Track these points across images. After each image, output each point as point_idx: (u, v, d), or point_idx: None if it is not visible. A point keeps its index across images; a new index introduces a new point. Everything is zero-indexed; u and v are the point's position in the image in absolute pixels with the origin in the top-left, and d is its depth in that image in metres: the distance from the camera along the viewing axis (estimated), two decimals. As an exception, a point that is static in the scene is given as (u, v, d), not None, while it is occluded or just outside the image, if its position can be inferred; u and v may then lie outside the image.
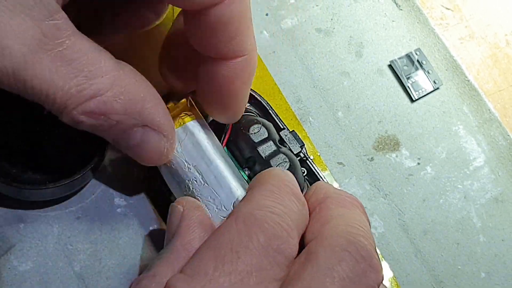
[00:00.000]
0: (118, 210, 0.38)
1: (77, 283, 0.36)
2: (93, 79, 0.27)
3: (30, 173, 0.34)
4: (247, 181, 0.37)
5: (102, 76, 0.27)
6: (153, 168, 0.37)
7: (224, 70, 0.30)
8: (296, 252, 0.27)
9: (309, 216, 0.29)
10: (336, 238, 0.27)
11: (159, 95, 0.31)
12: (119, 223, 0.38)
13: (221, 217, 0.32)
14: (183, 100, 0.35)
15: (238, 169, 0.37)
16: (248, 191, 0.30)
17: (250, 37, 0.30)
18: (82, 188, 0.37)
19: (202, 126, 0.34)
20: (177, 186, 0.34)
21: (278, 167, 0.36)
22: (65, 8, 0.26)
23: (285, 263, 0.26)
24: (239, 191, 0.33)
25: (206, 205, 0.33)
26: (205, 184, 0.33)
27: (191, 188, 0.33)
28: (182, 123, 0.34)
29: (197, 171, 0.33)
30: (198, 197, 0.33)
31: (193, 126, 0.34)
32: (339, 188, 0.41)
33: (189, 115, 0.34)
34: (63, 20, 0.25)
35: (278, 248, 0.25)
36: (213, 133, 0.35)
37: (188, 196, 0.33)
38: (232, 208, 0.33)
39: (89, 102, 0.27)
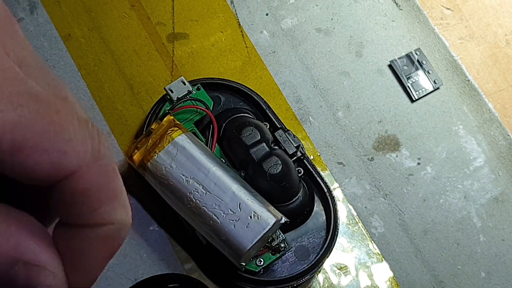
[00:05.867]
0: (118, 210, 0.38)
1: (77, 283, 0.36)
2: None
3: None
4: None
5: None
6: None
7: (89, 234, 0.28)
8: None
9: None
10: None
11: (39, 226, 0.28)
12: (119, 223, 0.38)
13: (230, 221, 0.33)
14: (167, 118, 0.36)
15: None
16: None
17: (118, 206, 0.28)
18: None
19: (190, 138, 0.35)
20: (179, 201, 0.34)
21: (270, 168, 0.36)
22: None
23: None
24: (241, 192, 0.34)
25: (213, 213, 0.33)
26: (207, 192, 0.33)
27: (194, 199, 0.33)
28: (170, 140, 0.34)
29: (196, 182, 0.34)
30: (203, 207, 0.33)
31: (182, 140, 0.35)
32: (337, 188, 0.41)
33: (175, 131, 0.35)
34: None
35: None
36: (201, 142, 0.36)
37: (193, 208, 0.33)
38: (239, 210, 0.33)
39: None
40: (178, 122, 0.36)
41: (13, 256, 0.28)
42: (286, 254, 0.37)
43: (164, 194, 0.35)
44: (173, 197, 0.34)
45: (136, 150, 0.35)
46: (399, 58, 0.45)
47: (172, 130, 0.35)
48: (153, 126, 0.35)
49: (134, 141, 0.36)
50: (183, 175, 0.34)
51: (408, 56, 0.45)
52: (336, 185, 0.41)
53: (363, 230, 0.40)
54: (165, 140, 0.35)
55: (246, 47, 0.44)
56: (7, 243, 0.27)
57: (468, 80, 0.45)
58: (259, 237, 0.33)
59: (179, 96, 0.39)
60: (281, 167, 0.36)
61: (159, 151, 0.34)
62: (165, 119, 0.36)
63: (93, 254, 0.29)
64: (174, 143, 0.34)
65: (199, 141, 0.36)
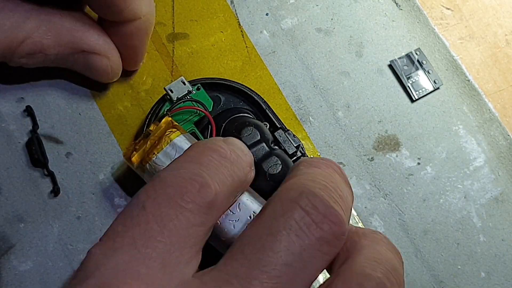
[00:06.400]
0: (118, 210, 0.38)
1: (77, 283, 0.36)
2: (18, 27, 0.32)
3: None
4: None
5: (26, 20, 0.32)
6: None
7: (125, 29, 0.36)
8: (221, 201, 0.26)
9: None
10: (289, 192, 0.25)
11: (91, 21, 0.36)
12: (119, 223, 0.38)
13: (230, 221, 0.33)
14: (165, 119, 0.36)
15: None
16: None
17: (141, 3, 0.35)
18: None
19: (189, 139, 0.35)
20: None
21: (270, 169, 0.36)
22: None
23: (204, 210, 0.24)
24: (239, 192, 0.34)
25: None
26: None
27: None
28: (169, 141, 0.35)
29: None
30: None
31: (181, 141, 0.35)
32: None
33: (173, 132, 0.35)
34: None
35: (191, 197, 0.24)
36: None
37: None
38: (239, 210, 0.33)
39: (22, 46, 0.33)
40: (176, 123, 0.36)
41: (73, 47, 0.34)
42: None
43: None
44: None
45: (134, 152, 0.35)
46: (399, 58, 0.45)
47: (171, 131, 0.35)
48: (151, 128, 0.35)
49: (133, 142, 0.36)
50: None
51: (408, 56, 0.45)
52: (336, 185, 0.41)
53: (363, 230, 0.40)
54: (164, 142, 0.35)
55: (246, 47, 0.44)
56: (64, 39, 0.34)
57: (468, 80, 0.45)
58: None
59: (179, 96, 0.39)
60: (281, 167, 0.36)
61: (157, 153, 0.34)
62: (163, 120, 0.36)
63: (134, 42, 0.36)
64: (172, 144, 0.34)
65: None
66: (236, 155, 0.29)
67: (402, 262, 0.28)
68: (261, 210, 0.26)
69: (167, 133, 0.35)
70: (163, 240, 0.23)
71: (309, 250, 0.25)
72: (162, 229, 0.23)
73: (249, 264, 0.23)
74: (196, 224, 0.24)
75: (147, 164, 0.34)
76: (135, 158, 0.35)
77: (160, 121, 0.36)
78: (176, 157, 0.34)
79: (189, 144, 0.35)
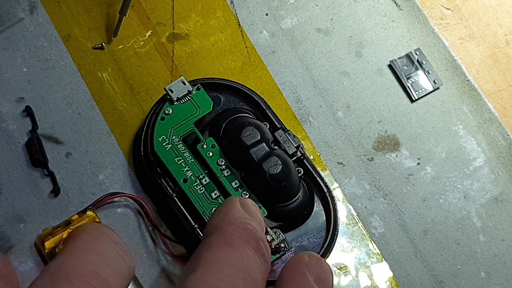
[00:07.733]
0: (118, 210, 0.38)
1: (77, 283, 0.36)
2: None
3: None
4: (241, 184, 0.37)
5: None
6: (153, 166, 0.37)
7: None
8: None
9: None
10: None
11: None
12: (119, 223, 0.38)
13: None
14: (89, 213, 0.36)
15: (234, 173, 0.37)
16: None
17: None
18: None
19: None
20: None
21: (270, 169, 0.36)
22: None
23: None
24: None
25: None
26: None
27: None
28: None
29: None
30: None
31: None
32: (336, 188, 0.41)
33: None
34: None
35: None
36: None
37: None
38: None
39: None
40: (99, 220, 0.36)
41: None
42: (286, 254, 0.37)
43: None
44: None
45: (50, 237, 0.34)
46: (399, 58, 0.45)
47: None
48: (73, 217, 0.35)
49: (51, 227, 0.36)
50: None
51: (408, 56, 0.45)
52: (336, 185, 0.41)
53: (363, 230, 0.40)
54: None
55: (246, 47, 0.44)
56: None
57: (468, 80, 0.45)
58: None
59: (179, 96, 0.39)
60: (281, 167, 0.36)
61: None
62: (88, 213, 0.36)
63: None
64: None
65: None
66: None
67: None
68: None
69: None
70: None
71: None
72: None
73: None
74: None
75: None
76: (48, 243, 0.34)
77: (85, 213, 0.36)
78: None
79: None
